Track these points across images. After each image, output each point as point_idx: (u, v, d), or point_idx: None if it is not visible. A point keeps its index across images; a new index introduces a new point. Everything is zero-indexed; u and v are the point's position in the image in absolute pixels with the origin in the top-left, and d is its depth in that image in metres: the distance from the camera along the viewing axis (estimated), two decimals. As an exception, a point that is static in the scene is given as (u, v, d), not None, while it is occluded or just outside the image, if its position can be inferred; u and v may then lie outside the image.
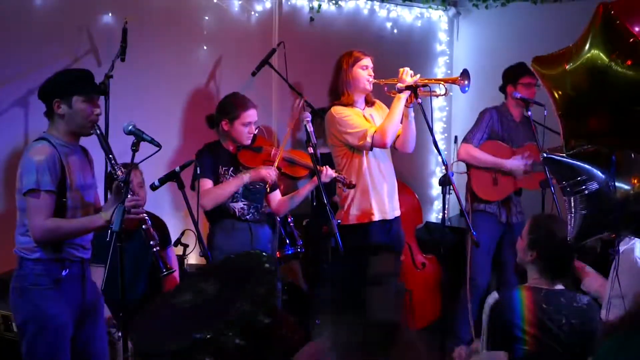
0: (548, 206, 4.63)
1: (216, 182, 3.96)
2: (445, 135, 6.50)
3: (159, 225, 4.18)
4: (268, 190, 4.13)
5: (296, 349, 1.51)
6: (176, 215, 4.65)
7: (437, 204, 6.45)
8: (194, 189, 3.88)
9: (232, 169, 4.01)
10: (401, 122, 4.06)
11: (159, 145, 3.15)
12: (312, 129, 3.83)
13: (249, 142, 4.02)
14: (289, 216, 4.72)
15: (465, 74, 3.97)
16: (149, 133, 3.19)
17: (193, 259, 4.61)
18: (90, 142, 3.34)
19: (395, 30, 6.12)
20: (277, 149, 4.11)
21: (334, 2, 5.66)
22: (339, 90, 4.12)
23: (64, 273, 3.14)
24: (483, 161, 4.74)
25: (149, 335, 1.44)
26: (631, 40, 2.43)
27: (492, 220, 4.67)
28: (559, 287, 2.86)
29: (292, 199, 4.16)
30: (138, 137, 3.17)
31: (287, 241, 4.69)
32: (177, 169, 3.33)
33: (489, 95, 5.17)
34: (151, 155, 3.17)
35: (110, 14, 4.50)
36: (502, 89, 4.85)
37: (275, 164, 4.05)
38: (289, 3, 5.42)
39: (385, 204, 4.16)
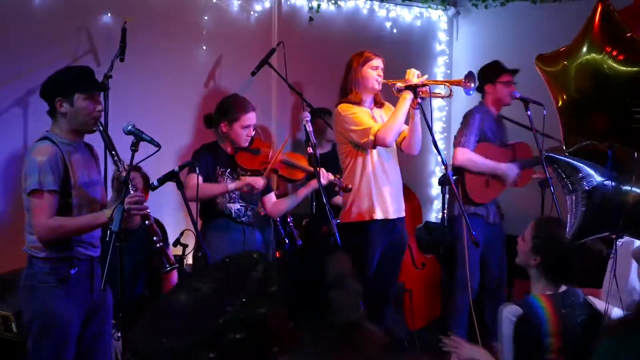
0: (548, 206, 4.63)
1: (208, 182, 3.93)
2: (445, 135, 6.49)
3: (157, 225, 4.18)
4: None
5: (289, 341, 1.52)
6: (175, 215, 4.65)
7: (437, 204, 6.45)
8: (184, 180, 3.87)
9: (229, 170, 4.00)
10: (407, 124, 4.10)
11: (158, 145, 3.15)
12: (311, 128, 3.84)
13: (247, 144, 4.02)
14: (289, 216, 4.72)
15: (470, 76, 3.98)
16: (148, 133, 3.19)
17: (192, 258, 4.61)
18: (93, 140, 3.35)
19: (394, 30, 6.12)
20: (274, 151, 4.11)
21: (333, 1, 5.66)
22: (348, 88, 4.17)
23: (72, 271, 3.15)
24: (483, 166, 4.69)
25: (144, 336, 1.44)
26: (627, 35, 2.44)
27: (482, 222, 4.66)
28: (563, 287, 2.84)
29: (288, 201, 4.16)
30: (137, 137, 3.17)
31: (287, 241, 4.69)
32: (176, 169, 3.32)
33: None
34: (151, 155, 3.17)
35: (109, 14, 4.51)
36: (480, 88, 4.81)
37: (269, 166, 4.03)
38: (288, 3, 5.42)
39: (388, 203, 4.18)
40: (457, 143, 4.71)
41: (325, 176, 3.90)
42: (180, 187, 3.28)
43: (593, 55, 2.46)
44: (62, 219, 3.11)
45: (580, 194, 2.63)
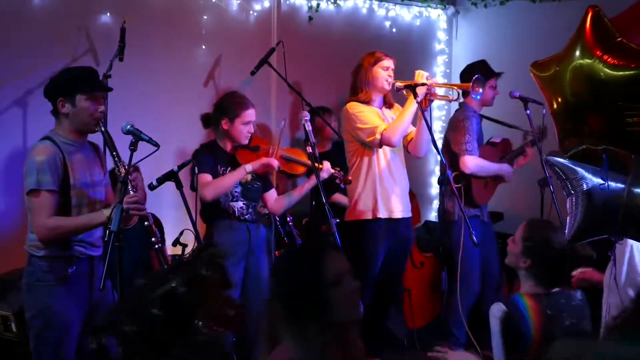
0: (547, 205, 4.63)
1: (215, 177, 3.94)
2: (444, 134, 6.49)
3: (156, 224, 4.19)
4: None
5: (228, 323, 1.58)
6: (174, 215, 4.65)
7: (437, 203, 6.45)
8: (194, 189, 3.88)
9: (229, 168, 4.01)
10: (414, 125, 4.13)
11: (157, 145, 3.15)
12: (310, 128, 3.85)
13: (247, 141, 4.03)
14: (288, 215, 4.72)
15: (478, 80, 4.00)
16: (147, 133, 3.19)
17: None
18: (95, 140, 3.35)
19: (394, 29, 6.12)
20: (274, 148, 4.11)
21: (332, 1, 5.66)
22: (358, 87, 4.22)
23: (70, 270, 3.16)
24: (491, 170, 4.73)
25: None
26: (618, 40, 2.45)
27: (479, 223, 4.67)
28: (556, 289, 2.83)
29: (289, 197, 4.17)
30: (136, 136, 3.17)
31: (286, 240, 4.69)
32: (175, 168, 3.32)
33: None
34: (149, 154, 3.17)
35: (108, 14, 4.51)
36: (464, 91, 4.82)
37: (275, 153, 4.04)
38: (288, 2, 5.42)
39: (392, 202, 4.20)
40: (462, 151, 4.63)
41: (326, 169, 3.93)
42: (180, 186, 3.28)
43: (585, 60, 2.48)
44: (60, 218, 3.12)
45: (579, 195, 2.64)
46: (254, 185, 4.05)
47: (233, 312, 1.60)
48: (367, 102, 4.20)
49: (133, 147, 3.15)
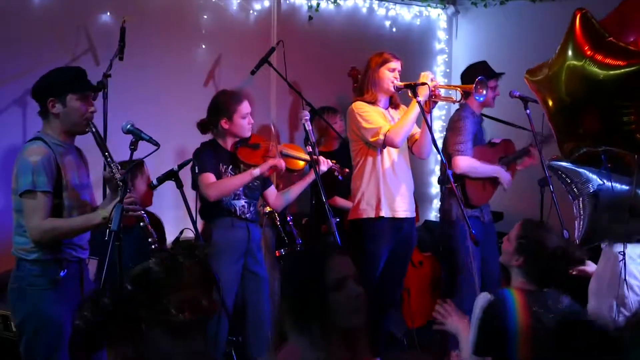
0: (547, 205, 4.63)
1: (218, 178, 3.94)
2: (445, 134, 6.49)
3: (156, 223, 4.18)
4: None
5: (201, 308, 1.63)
6: (174, 214, 4.64)
7: (436, 203, 6.45)
8: (195, 188, 3.87)
9: (231, 167, 4.00)
10: (420, 127, 4.15)
11: (157, 144, 3.15)
12: (310, 127, 3.86)
13: (249, 133, 4.02)
14: (288, 215, 4.72)
15: (482, 82, 4.00)
16: (147, 132, 3.19)
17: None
18: (87, 142, 3.34)
19: (394, 29, 6.12)
20: (273, 144, 4.11)
21: (332, 0, 5.66)
22: (364, 87, 4.24)
23: (62, 274, 3.14)
24: (484, 171, 4.70)
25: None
26: (608, 39, 2.46)
27: (478, 223, 4.65)
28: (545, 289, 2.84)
29: (288, 193, 4.17)
30: (136, 136, 3.17)
31: (286, 240, 4.69)
32: (176, 168, 3.32)
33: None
34: (150, 154, 3.17)
35: (108, 14, 4.50)
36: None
37: (276, 149, 4.04)
38: (288, 2, 5.42)
39: (396, 202, 4.22)
40: (454, 151, 4.62)
41: (325, 163, 3.94)
42: (180, 186, 3.28)
43: (577, 60, 2.49)
44: (56, 220, 3.09)
45: (586, 198, 2.65)
46: (254, 183, 4.06)
47: (206, 303, 1.62)
48: (373, 102, 4.22)
49: (133, 146, 3.14)
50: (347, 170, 4.16)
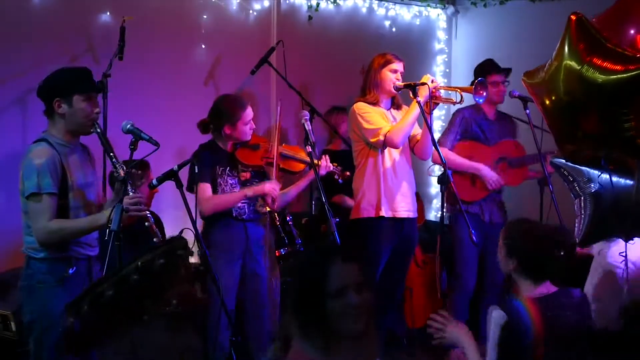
0: (547, 205, 4.63)
1: (214, 184, 3.94)
2: (444, 133, 6.49)
3: (156, 223, 4.18)
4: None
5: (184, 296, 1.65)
6: (174, 214, 4.64)
7: (436, 202, 6.45)
8: (191, 190, 3.88)
9: (228, 168, 4.00)
10: (421, 127, 4.15)
11: (156, 144, 3.15)
12: (310, 127, 3.86)
13: (250, 137, 4.03)
14: (288, 215, 4.72)
15: (481, 84, 4.00)
16: (147, 132, 3.19)
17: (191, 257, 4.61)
18: (91, 141, 3.34)
19: (393, 29, 6.12)
20: (272, 145, 4.11)
21: (332, 0, 5.66)
22: (367, 88, 4.26)
23: (70, 271, 3.15)
24: (458, 164, 4.67)
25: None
26: (604, 43, 2.46)
27: (474, 220, 4.61)
28: (553, 289, 2.81)
29: (287, 194, 4.18)
30: (136, 135, 3.17)
31: (286, 240, 4.68)
32: (175, 167, 3.31)
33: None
34: (149, 154, 3.17)
35: (108, 13, 4.51)
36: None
37: (275, 162, 4.04)
38: (287, 2, 5.42)
39: (397, 202, 4.22)
40: (438, 142, 4.67)
41: (324, 166, 3.95)
42: (180, 185, 3.27)
43: (575, 64, 2.49)
44: (62, 221, 3.10)
45: (587, 197, 2.65)
46: (252, 183, 4.06)
47: (199, 296, 1.65)
48: (375, 103, 4.22)
49: (133, 146, 3.14)
50: (347, 173, 4.16)
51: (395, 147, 4.16)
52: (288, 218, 4.74)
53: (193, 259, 4.63)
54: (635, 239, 3.12)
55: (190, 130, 4.69)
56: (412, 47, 6.21)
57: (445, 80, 6.48)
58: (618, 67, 2.41)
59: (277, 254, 4.60)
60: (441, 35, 6.52)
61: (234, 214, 3.99)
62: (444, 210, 4.75)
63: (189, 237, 3.65)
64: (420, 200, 5.53)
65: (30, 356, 3.19)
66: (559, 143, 2.70)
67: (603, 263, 3.26)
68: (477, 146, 4.77)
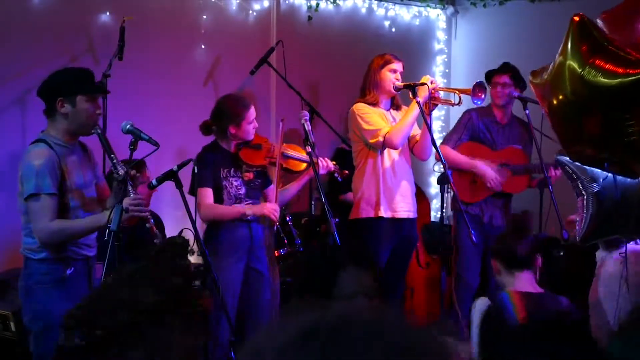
0: (546, 206, 4.63)
1: (216, 188, 3.94)
2: (444, 134, 6.49)
3: (156, 222, 4.18)
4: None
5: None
6: (174, 214, 4.65)
7: (436, 203, 6.45)
8: (192, 193, 3.88)
9: (232, 169, 4.00)
10: (420, 128, 4.16)
11: (156, 144, 3.14)
12: (310, 127, 3.86)
13: (253, 136, 4.03)
14: (287, 215, 4.72)
15: (480, 86, 4.00)
16: (146, 132, 3.19)
17: (191, 257, 4.61)
18: (90, 141, 3.34)
19: (393, 29, 6.12)
20: (275, 146, 4.11)
21: (331, 1, 5.66)
22: (366, 88, 4.25)
23: (68, 272, 3.15)
24: (457, 162, 4.61)
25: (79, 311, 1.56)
26: (607, 45, 2.45)
27: (474, 221, 4.58)
28: (539, 290, 2.87)
29: (288, 191, 4.18)
30: (136, 135, 3.16)
31: (285, 240, 4.69)
32: (175, 168, 3.31)
33: (487, 94, 5.15)
34: (149, 154, 3.17)
35: (108, 13, 4.50)
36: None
37: (277, 161, 4.04)
38: (287, 2, 5.42)
39: (396, 202, 4.22)
40: (442, 141, 4.72)
41: (324, 167, 3.95)
42: (179, 186, 3.27)
43: (578, 65, 2.48)
44: (63, 221, 3.10)
45: (590, 196, 2.65)
46: (255, 182, 4.06)
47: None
48: (375, 104, 4.22)
49: (133, 146, 3.14)
50: (346, 172, 4.16)
51: (395, 148, 4.17)
52: (288, 218, 4.74)
53: (193, 259, 4.63)
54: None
55: (190, 130, 4.70)
56: (411, 48, 6.21)
57: (445, 81, 6.48)
58: (620, 70, 2.41)
59: (276, 254, 4.60)
60: (441, 35, 6.53)
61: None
62: (444, 210, 4.78)
63: (189, 237, 3.65)
64: (426, 198, 5.51)
65: (31, 356, 3.19)
66: (563, 144, 2.70)
67: (609, 271, 3.26)
68: (480, 149, 4.71)
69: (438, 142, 4.52)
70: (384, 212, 4.20)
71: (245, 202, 4.00)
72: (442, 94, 4.25)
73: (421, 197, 5.33)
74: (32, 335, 3.16)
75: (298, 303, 0.91)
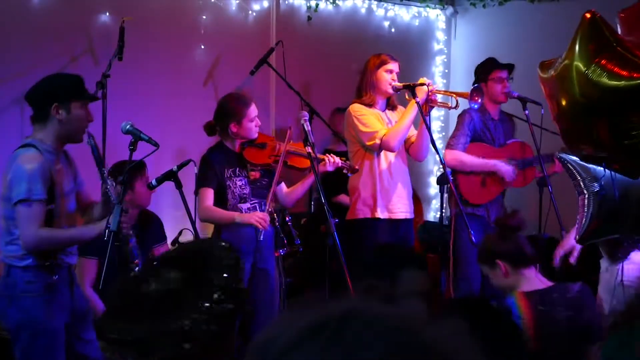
0: (546, 206, 4.63)
1: (219, 188, 3.93)
2: (443, 134, 6.50)
3: (155, 221, 4.19)
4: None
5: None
6: (174, 214, 4.65)
7: (435, 203, 6.46)
8: (197, 194, 3.88)
9: (237, 169, 4.00)
10: (417, 128, 4.15)
11: (156, 145, 3.14)
12: (309, 128, 3.85)
13: (257, 135, 4.03)
14: (287, 215, 4.72)
15: (477, 90, 4.00)
16: (146, 132, 3.19)
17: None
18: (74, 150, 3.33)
19: (392, 30, 6.12)
20: (281, 143, 4.10)
21: (331, 1, 5.66)
22: (362, 89, 4.24)
23: (55, 278, 3.10)
24: (474, 165, 4.58)
25: (114, 320, 1.47)
26: (617, 48, 2.44)
27: (481, 223, 4.58)
28: (548, 283, 2.86)
29: (299, 189, 4.18)
30: (135, 136, 3.16)
31: (285, 241, 4.68)
32: (175, 168, 3.31)
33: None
34: (149, 154, 3.17)
35: (107, 14, 4.50)
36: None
37: (280, 159, 4.03)
38: (287, 2, 5.42)
39: (393, 203, 4.22)
40: (447, 145, 4.64)
41: (331, 163, 3.94)
42: (179, 186, 3.27)
43: (584, 64, 2.47)
44: (53, 230, 3.05)
45: (591, 195, 2.65)
46: (262, 182, 4.06)
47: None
48: (371, 105, 4.21)
49: (132, 146, 3.13)
50: (357, 167, 4.12)
51: (392, 151, 4.16)
52: (287, 218, 4.74)
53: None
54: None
55: (189, 130, 4.70)
56: (411, 48, 6.21)
57: (445, 81, 6.48)
58: (624, 73, 2.39)
59: (276, 255, 4.60)
60: (440, 35, 6.53)
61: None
62: (443, 211, 4.78)
63: (189, 236, 3.65)
64: (419, 200, 5.53)
65: None
66: (568, 143, 2.69)
67: (613, 281, 3.26)
68: (485, 148, 4.70)
69: (438, 143, 4.52)
70: (380, 213, 4.21)
71: (251, 202, 3.99)
72: (439, 96, 4.24)
73: (415, 200, 5.35)
74: (18, 345, 3.10)
75: (305, 299, 0.91)
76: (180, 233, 4.44)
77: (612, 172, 2.59)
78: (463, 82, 5.16)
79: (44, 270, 3.08)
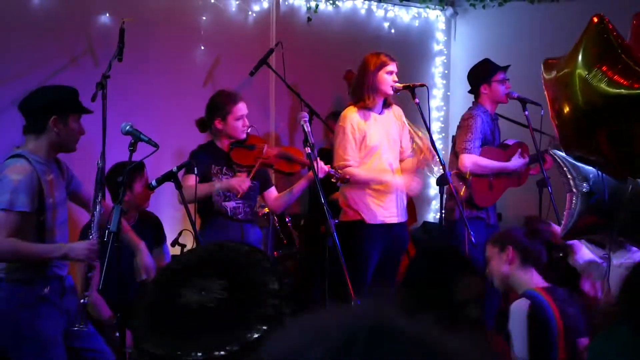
0: (545, 206, 4.63)
1: (204, 181, 3.93)
2: (443, 135, 6.50)
3: (154, 222, 4.19)
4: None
5: None
6: (174, 215, 4.65)
7: (435, 204, 6.45)
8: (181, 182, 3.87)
9: (225, 167, 4.00)
10: (416, 133, 4.26)
11: (156, 146, 3.15)
12: (309, 129, 3.84)
13: (244, 135, 4.01)
14: (287, 216, 4.72)
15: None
16: (146, 133, 3.19)
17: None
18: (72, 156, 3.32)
19: (392, 30, 6.12)
20: (269, 146, 4.11)
21: (331, 2, 5.66)
22: (362, 92, 4.19)
23: (46, 290, 3.08)
24: (490, 169, 4.62)
25: (161, 338, 1.42)
26: (622, 55, 2.42)
27: (483, 225, 4.61)
28: (546, 283, 2.88)
29: (288, 195, 4.16)
30: (135, 137, 3.16)
31: (285, 241, 4.69)
32: (175, 169, 3.32)
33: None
34: (149, 155, 3.17)
35: (107, 14, 4.50)
36: (475, 89, 4.75)
37: (259, 161, 4.01)
38: (286, 3, 5.42)
39: (385, 206, 4.21)
40: (461, 149, 4.58)
41: (322, 169, 3.91)
42: (179, 187, 3.28)
43: (583, 69, 2.46)
44: (18, 242, 2.97)
45: (579, 194, 2.65)
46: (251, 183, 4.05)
47: None
48: (371, 108, 4.19)
49: (132, 147, 3.14)
50: (347, 177, 4.08)
51: None
52: (287, 219, 4.74)
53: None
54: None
55: (189, 131, 4.70)
56: (410, 49, 6.21)
57: (444, 82, 6.49)
58: (625, 83, 2.37)
59: (275, 255, 4.60)
60: (440, 36, 6.53)
61: (229, 214, 3.98)
62: (443, 211, 4.77)
63: (189, 237, 3.65)
64: (412, 201, 5.51)
65: None
66: (566, 147, 2.69)
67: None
68: (492, 150, 4.73)
69: (437, 143, 4.52)
70: (372, 218, 4.19)
71: (236, 201, 3.98)
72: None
73: (409, 203, 5.34)
74: (13, 359, 3.05)
75: (328, 307, 0.90)
76: (180, 234, 4.45)
77: (602, 174, 2.59)
78: (463, 83, 5.15)
79: (34, 284, 3.05)
